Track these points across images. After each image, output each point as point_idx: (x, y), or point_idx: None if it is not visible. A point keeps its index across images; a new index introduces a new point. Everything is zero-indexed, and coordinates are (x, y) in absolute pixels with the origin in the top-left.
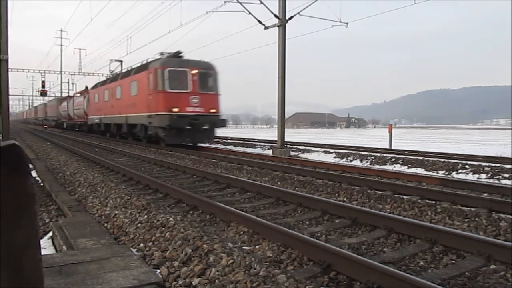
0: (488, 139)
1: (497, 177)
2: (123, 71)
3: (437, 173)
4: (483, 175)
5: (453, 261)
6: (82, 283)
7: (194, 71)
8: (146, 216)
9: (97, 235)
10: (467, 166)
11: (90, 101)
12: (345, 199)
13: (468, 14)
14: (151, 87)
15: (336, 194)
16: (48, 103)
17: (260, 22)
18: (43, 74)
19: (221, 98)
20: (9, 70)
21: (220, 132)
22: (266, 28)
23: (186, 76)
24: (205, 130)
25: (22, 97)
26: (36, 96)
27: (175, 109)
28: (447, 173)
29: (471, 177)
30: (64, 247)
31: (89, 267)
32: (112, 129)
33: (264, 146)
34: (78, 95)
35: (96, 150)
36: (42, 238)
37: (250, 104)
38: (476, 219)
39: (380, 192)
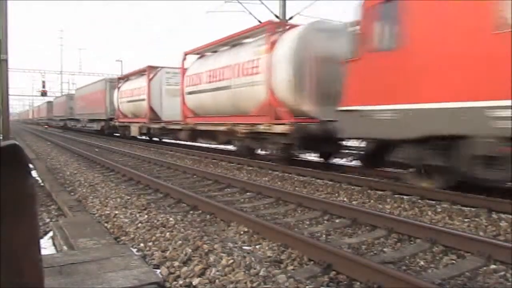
0: None
1: None
2: None
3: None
4: None
5: (453, 261)
6: (82, 283)
7: None
8: (146, 216)
9: (97, 235)
10: None
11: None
12: (345, 199)
13: None
14: None
15: (336, 194)
16: (79, 92)
17: (260, 22)
18: (43, 74)
19: None
20: (9, 70)
21: None
22: None
23: None
24: None
25: (22, 97)
26: (36, 96)
27: None
28: None
29: None
30: (64, 247)
31: (89, 267)
32: None
33: None
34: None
35: (96, 150)
36: (42, 238)
37: None
38: (476, 219)
39: (380, 192)
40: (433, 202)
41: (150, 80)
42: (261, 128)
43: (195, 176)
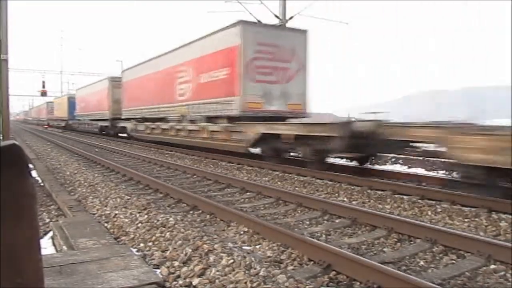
0: None
1: None
2: None
3: (437, 173)
4: None
5: (453, 261)
6: (82, 283)
7: None
8: (146, 216)
9: (97, 235)
10: None
11: None
12: (345, 199)
13: (467, 13)
14: None
15: (336, 194)
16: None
17: (260, 22)
18: (43, 74)
19: None
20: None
21: None
22: None
23: None
24: None
25: (21, 97)
26: (36, 96)
27: None
28: (447, 173)
29: None
30: (64, 247)
31: (89, 267)
32: None
33: None
34: None
35: (96, 150)
36: (42, 238)
37: None
38: (476, 219)
39: (380, 192)
40: (433, 202)
41: None
42: None
43: (195, 176)
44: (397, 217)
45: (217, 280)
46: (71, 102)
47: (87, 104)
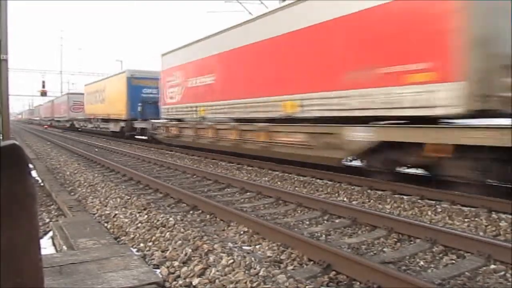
0: None
1: None
2: None
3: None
4: None
5: (453, 261)
6: (82, 283)
7: None
8: (146, 216)
9: (97, 235)
10: None
11: None
12: (345, 199)
13: None
14: None
15: (336, 194)
16: None
17: None
18: (43, 74)
19: None
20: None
21: None
22: None
23: None
24: None
25: (21, 97)
26: (36, 96)
27: None
28: None
29: None
30: (64, 247)
31: (89, 267)
32: None
33: None
34: None
35: (96, 150)
36: (42, 238)
37: None
38: (476, 219)
39: (380, 192)
40: (433, 202)
41: None
42: None
43: (195, 176)
44: (397, 217)
45: (217, 280)
46: (134, 87)
47: (231, 81)
